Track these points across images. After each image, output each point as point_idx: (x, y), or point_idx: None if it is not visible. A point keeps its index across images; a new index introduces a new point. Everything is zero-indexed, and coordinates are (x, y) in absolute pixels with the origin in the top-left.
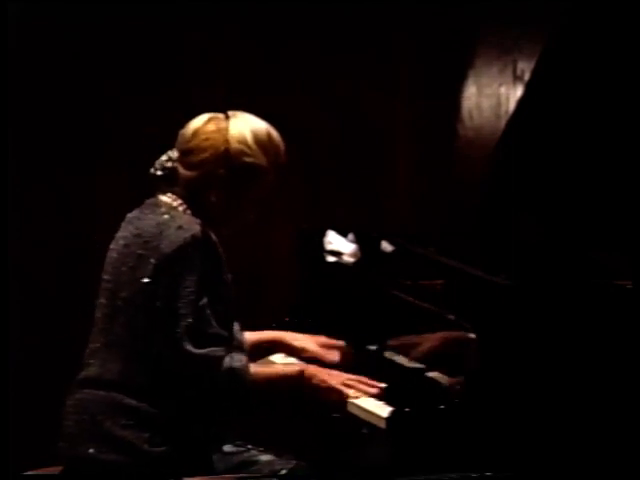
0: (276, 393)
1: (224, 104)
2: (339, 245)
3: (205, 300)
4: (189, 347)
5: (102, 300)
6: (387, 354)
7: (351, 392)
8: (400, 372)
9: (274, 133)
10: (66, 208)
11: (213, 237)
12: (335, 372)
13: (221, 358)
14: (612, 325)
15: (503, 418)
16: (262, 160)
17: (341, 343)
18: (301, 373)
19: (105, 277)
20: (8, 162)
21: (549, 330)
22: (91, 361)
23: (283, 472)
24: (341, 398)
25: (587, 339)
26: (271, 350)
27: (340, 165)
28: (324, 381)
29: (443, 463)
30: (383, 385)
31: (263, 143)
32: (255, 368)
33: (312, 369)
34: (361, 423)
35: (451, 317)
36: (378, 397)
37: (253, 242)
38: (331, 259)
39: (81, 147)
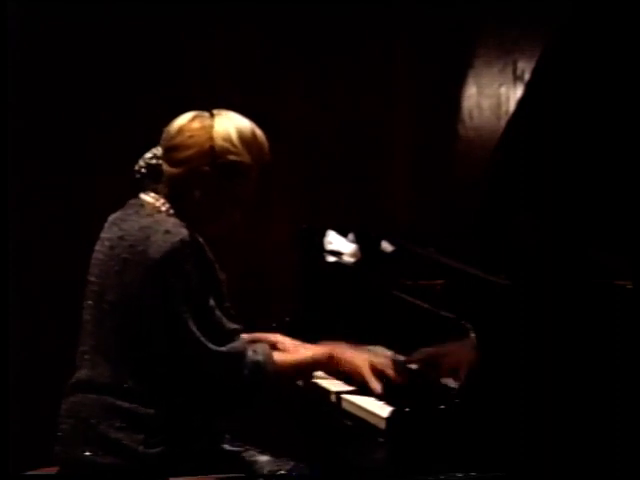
0: (304, 376)
1: (224, 104)
2: (339, 245)
3: (212, 302)
4: (211, 346)
5: (89, 302)
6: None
7: (374, 383)
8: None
9: (258, 132)
10: (66, 208)
11: (200, 239)
12: (364, 352)
13: (243, 352)
14: (612, 325)
15: (503, 418)
16: (246, 158)
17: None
18: (330, 356)
19: (91, 279)
20: (8, 162)
21: (549, 330)
22: (82, 364)
23: (281, 472)
24: (364, 380)
25: (587, 339)
26: None
27: (340, 165)
28: (353, 364)
29: (443, 463)
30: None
31: (248, 141)
32: (281, 356)
33: (339, 351)
34: (360, 422)
35: (451, 317)
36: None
37: (253, 242)
38: (331, 259)
39: (81, 147)
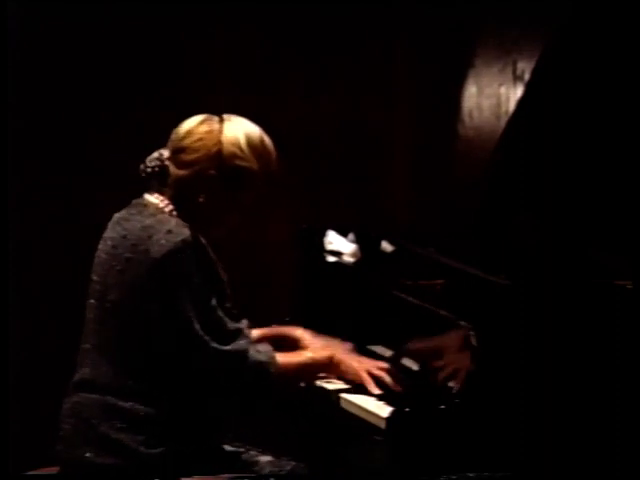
0: (305, 379)
1: (224, 104)
2: (339, 245)
3: (214, 301)
4: (215, 345)
5: (92, 301)
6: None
7: (373, 387)
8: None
9: (267, 139)
10: (66, 208)
11: (202, 240)
12: (364, 359)
13: (246, 351)
14: (612, 325)
15: (503, 418)
16: (253, 164)
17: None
18: (330, 359)
19: (94, 278)
20: (8, 162)
21: (549, 330)
22: (84, 363)
23: (282, 473)
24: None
25: (587, 339)
26: (275, 346)
27: (340, 165)
28: (352, 367)
29: (443, 463)
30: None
31: (256, 148)
32: (283, 357)
33: (340, 354)
34: (360, 423)
35: (451, 317)
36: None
37: (253, 242)
38: (331, 259)
39: (81, 147)
